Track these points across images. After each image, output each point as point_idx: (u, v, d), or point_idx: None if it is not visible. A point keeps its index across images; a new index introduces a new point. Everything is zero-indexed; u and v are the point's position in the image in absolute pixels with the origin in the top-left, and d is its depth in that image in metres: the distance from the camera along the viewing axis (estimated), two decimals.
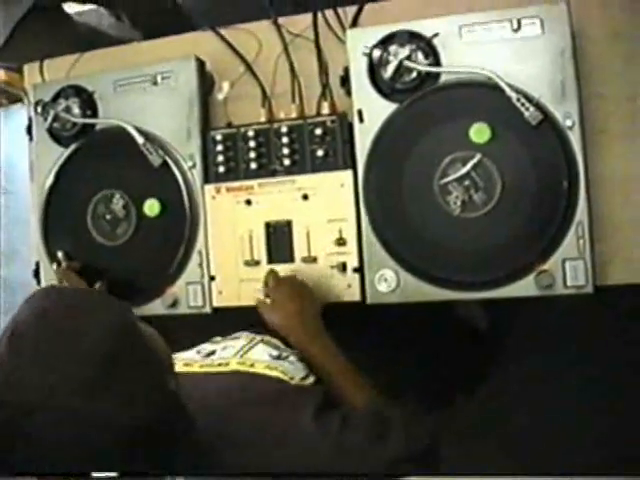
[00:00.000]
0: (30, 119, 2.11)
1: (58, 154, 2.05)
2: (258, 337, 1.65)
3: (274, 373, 1.45)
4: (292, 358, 1.57)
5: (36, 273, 2.09)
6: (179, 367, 1.49)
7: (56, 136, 2.06)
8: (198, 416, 1.26)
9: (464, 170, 1.66)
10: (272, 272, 1.77)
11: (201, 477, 1.22)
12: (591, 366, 2.15)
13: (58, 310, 1.09)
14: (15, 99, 2.32)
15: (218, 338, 1.70)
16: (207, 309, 1.89)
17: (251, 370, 1.46)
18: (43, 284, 2.07)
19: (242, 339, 1.65)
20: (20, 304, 1.11)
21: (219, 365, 1.49)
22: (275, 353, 1.56)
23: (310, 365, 1.59)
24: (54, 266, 2.00)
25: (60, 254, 1.99)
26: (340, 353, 1.61)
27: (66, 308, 1.09)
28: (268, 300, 1.73)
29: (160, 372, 1.14)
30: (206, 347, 1.63)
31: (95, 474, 1.04)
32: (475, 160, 1.65)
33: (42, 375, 1.00)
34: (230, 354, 1.55)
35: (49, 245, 2.06)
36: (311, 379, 1.53)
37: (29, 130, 2.12)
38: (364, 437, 1.32)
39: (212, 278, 1.89)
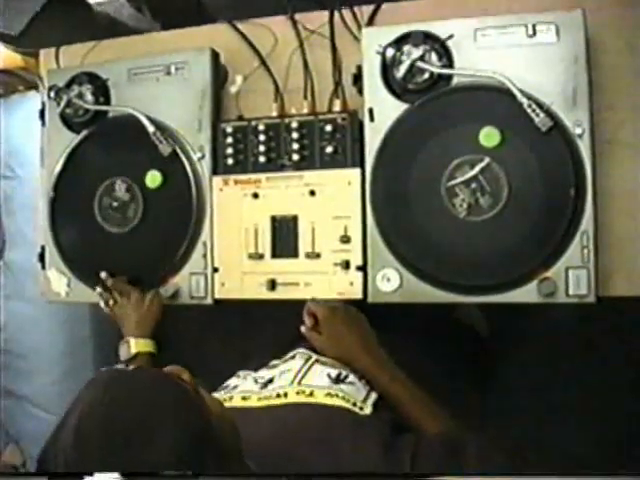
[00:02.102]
0: (43, 104, 2.12)
1: (69, 140, 2.06)
2: (314, 356, 1.60)
3: (336, 402, 1.38)
4: (351, 377, 1.51)
5: (41, 257, 2.10)
6: (237, 401, 1.44)
7: (68, 122, 2.07)
8: (256, 458, 1.20)
9: (472, 173, 1.66)
10: (314, 302, 1.70)
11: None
12: (590, 375, 2.15)
13: (125, 402, 1.03)
14: (31, 85, 2.32)
15: (276, 361, 1.64)
16: (209, 300, 1.90)
17: (311, 401, 1.39)
18: (47, 268, 2.09)
19: (298, 359, 1.59)
20: (82, 390, 1.07)
21: (277, 396, 1.42)
22: (334, 373, 1.50)
23: (380, 393, 1.52)
24: (98, 289, 1.97)
25: (104, 274, 1.96)
26: (408, 379, 1.56)
27: (133, 398, 1.04)
28: (316, 333, 1.66)
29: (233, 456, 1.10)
30: (264, 374, 1.56)
31: (97, 474, 1.03)
32: (483, 164, 1.65)
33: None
34: (288, 381, 1.47)
35: (56, 230, 2.07)
36: (372, 397, 1.47)
37: (42, 115, 2.13)
38: (438, 463, 1.26)
39: (215, 270, 1.89)
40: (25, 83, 2.83)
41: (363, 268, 1.77)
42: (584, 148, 1.61)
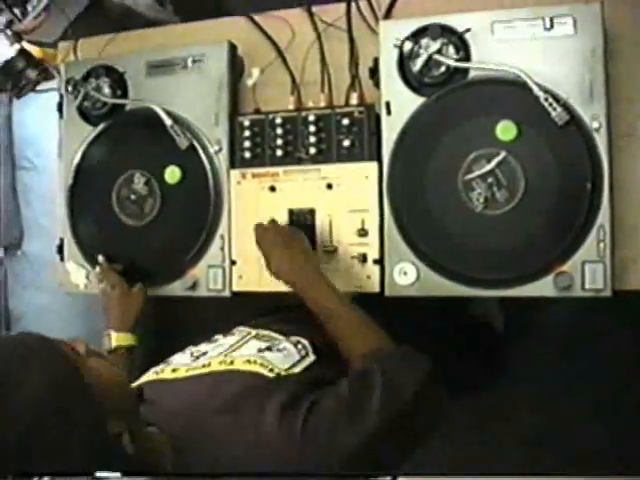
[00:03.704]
0: (61, 96, 2.13)
1: (87, 132, 2.07)
2: (254, 331, 1.64)
3: (251, 367, 1.42)
4: (286, 345, 1.54)
5: (60, 249, 2.12)
6: (167, 374, 1.50)
7: (85, 115, 2.08)
8: (165, 427, 1.28)
9: (488, 167, 1.66)
10: (257, 224, 1.79)
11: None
12: (605, 369, 2.14)
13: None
14: (49, 77, 2.32)
15: (218, 336, 1.69)
16: (226, 293, 1.91)
17: (228, 368, 1.44)
18: (66, 260, 2.10)
19: (236, 335, 1.65)
20: None
21: (202, 367, 1.47)
22: (264, 346, 1.54)
23: (314, 314, 1.59)
24: (97, 269, 2.01)
25: (101, 258, 2.00)
26: (344, 297, 1.61)
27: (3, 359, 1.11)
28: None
29: (95, 421, 1.13)
30: (201, 348, 1.62)
31: (98, 474, 1.08)
32: (500, 157, 1.65)
33: None
34: (216, 353, 1.53)
35: (74, 221, 2.09)
36: (300, 366, 1.48)
37: (60, 107, 2.14)
38: (330, 423, 1.29)
39: (233, 262, 1.90)
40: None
41: (380, 261, 1.77)
42: (601, 142, 1.61)
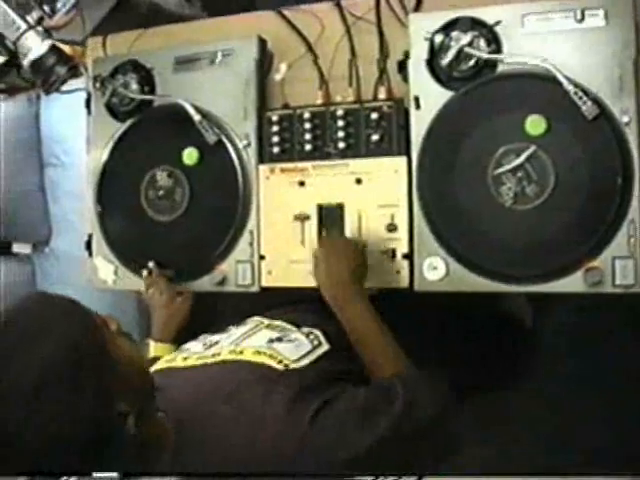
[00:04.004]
0: (89, 93, 2.13)
1: (115, 129, 2.08)
2: (266, 321, 1.66)
3: (260, 359, 1.43)
4: (297, 336, 1.55)
5: (88, 245, 2.13)
6: (178, 362, 1.52)
7: (113, 111, 2.08)
8: (171, 414, 1.30)
9: (518, 161, 1.65)
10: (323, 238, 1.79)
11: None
12: (634, 368, 2.11)
13: (24, 317, 1.15)
14: (77, 74, 2.33)
15: (231, 326, 1.70)
16: (255, 288, 1.91)
17: (237, 358, 1.45)
18: (95, 256, 2.11)
19: (248, 325, 1.66)
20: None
21: (212, 356, 1.49)
22: (275, 336, 1.55)
23: (346, 329, 1.58)
24: (144, 273, 2.01)
25: (151, 264, 1.99)
26: (379, 319, 1.60)
27: (31, 316, 1.15)
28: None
29: (105, 396, 1.14)
30: (214, 337, 1.63)
31: (96, 474, 1.10)
32: (529, 152, 1.64)
33: None
34: (228, 342, 1.55)
35: (102, 217, 2.10)
36: (311, 357, 1.49)
37: (87, 104, 2.15)
38: (341, 423, 1.30)
39: (262, 257, 1.90)
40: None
41: (409, 256, 1.76)
42: (631, 136, 1.59)
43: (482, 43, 1.68)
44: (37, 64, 1.76)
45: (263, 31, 1.97)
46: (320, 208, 1.84)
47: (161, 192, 2.00)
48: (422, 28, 1.73)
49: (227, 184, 1.93)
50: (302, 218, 1.85)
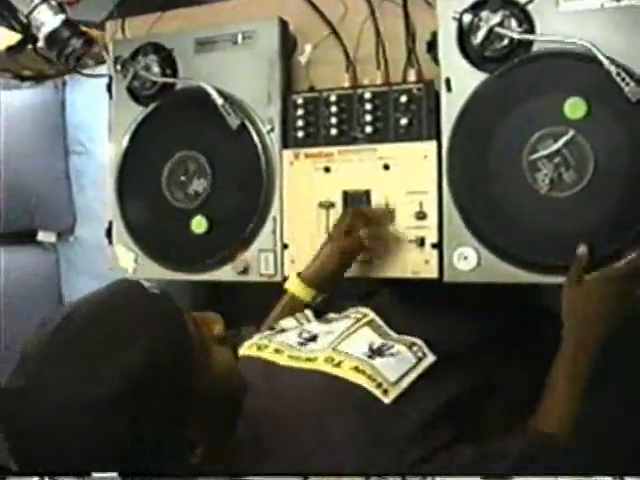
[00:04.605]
0: (110, 77, 2.10)
1: (137, 113, 2.04)
2: (370, 316, 1.54)
3: (358, 379, 1.31)
4: (399, 349, 1.42)
5: (108, 232, 2.10)
6: (268, 353, 1.43)
7: (135, 95, 2.05)
8: (251, 419, 1.22)
9: (555, 147, 1.57)
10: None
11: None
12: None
13: (111, 310, 1.07)
14: (101, 60, 2.30)
15: (333, 315, 1.61)
16: (278, 278, 1.86)
17: (335, 372, 1.34)
18: (115, 244, 2.08)
19: (350, 319, 1.54)
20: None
21: (307, 360, 1.38)
22: (377, 344, 1.43)
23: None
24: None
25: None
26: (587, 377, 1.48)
27: (119, 310, 1.07)
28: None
29: (170, 421, 1.07)
30: (312, 328, 1.53)
31: (95, 474, 1.02)
32: (568, 137, 1.56)
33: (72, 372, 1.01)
34: (325, 344, 1.44)
35: (123, 204, 2.06)
36: (414, 373, 1.36)
37: (109, 88, 2.11)
38: None
39: (285, 246, 1.85)
40: (96, 57, 2.81)
41: (439, 246, 1.70)
42: None
43: (513, 23, 1.61)
44: (52, 37, 1.76)
45: (285, 12, 1.92)
46: (345, 195, 1.78)
47: (183, 178, 1.96)
48: (449, 7, 1.66)
49: (250, 170, 1.88)
50: (327, 205, 1.79)
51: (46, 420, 1.00)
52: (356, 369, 1.33)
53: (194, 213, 1.95)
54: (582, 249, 1.52)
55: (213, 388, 1.12)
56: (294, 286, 1.72)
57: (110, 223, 2.09)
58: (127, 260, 2.05)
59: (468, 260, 1.65)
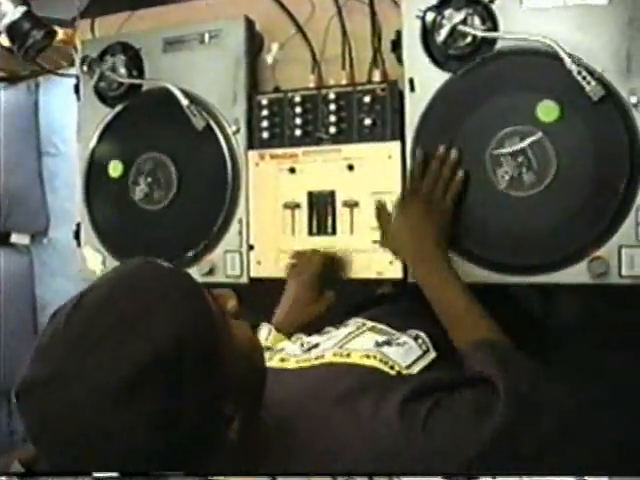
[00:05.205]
0: (78, 77, 2.09)
1: (104, 114, 2.03)
2: (369, 323, 1.54)
3: (370, 362, 1.33)
4: (406, 340, 1.44)
5: (76, 234, 2.08)
6: (275, 362, 1.41)
7: (102, 96, 2.03)
8: (274, 415, 1.19)
9: (520, 145, 1.57)
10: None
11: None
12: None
13: (131, 288, 1.03)
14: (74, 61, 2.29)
15: (330, 328, 1.60)
16: (244, 279, 1.85)
17: (346, 361, 1.35)
18: (83, 246, 2.07)
19: (350, 326, 1.55)
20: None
21: (316, 359, 1.38)
22: (382, 339, 1.44)
23: (429, 299, 1.52)
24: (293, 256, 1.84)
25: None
26: (465, 287, 1.51)
27: (140, 288, 1.02)
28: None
29: (212, 397, 1.03)
30: (312, 339, 1.53)
31: (96, 474, 0.98)
32: (535, 137, 1.55)
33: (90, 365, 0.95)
34: (330, 345, 1.44)
35: (91, 207, 2.05)
36: (422, 364, 1.38)
37: (77, 89, 2.10)
38: (456, 420, 1.21)
39: (251, 247, 1.84)
40: (67, 58, 2.80)
41: None
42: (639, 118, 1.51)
43: (477, 21, 1.61)
44: (12, 29, 1.77)
45: (253, 11, 1.91)
46: (310, 195, 1.78)
47: (149, 180, 1.95)
48: (415, 6, 1.65)
49: (216, 171, 1.87)
50: (292, 206, 1.79)
51: (82, 407, 0.93)
52: (366, 356, 1.34)
53: (160, 214, 1.94)
54: None
55: (238, 360, 1.08)
56: (275, 340, 1.67)
57: (78, 225, 2.08)
58: (95, 262, 2.03)
59: None
